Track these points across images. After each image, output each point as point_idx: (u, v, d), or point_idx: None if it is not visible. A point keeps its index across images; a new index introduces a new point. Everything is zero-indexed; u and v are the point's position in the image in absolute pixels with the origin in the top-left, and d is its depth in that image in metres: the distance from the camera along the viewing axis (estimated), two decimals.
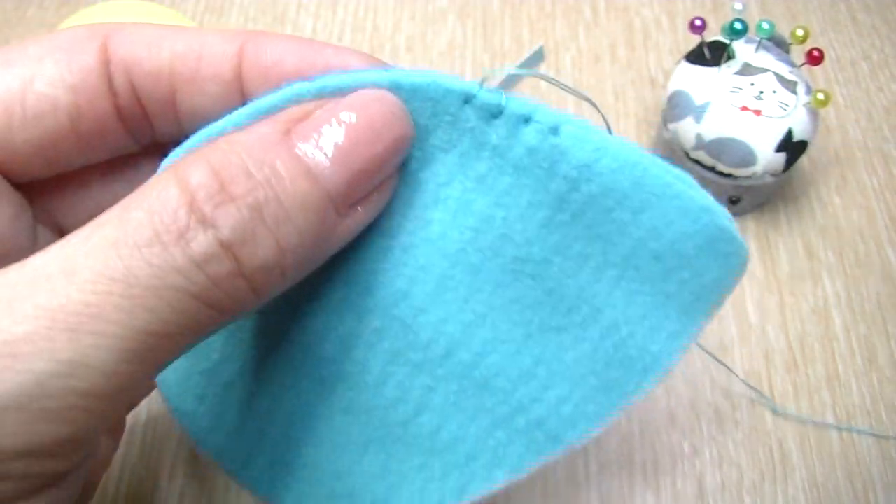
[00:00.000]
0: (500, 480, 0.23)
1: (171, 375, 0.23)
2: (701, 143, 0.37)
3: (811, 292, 0.38)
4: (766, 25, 0.37)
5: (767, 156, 0.36)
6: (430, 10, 0.50)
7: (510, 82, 0.24)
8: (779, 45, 0.39)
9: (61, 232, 0.23)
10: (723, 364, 0.33)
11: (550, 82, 0.21)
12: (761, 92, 0.37)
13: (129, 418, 0.32)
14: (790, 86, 0.37)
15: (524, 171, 0.20)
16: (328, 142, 0.18)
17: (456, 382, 0.22)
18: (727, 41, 0.37)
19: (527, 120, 0.20)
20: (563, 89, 0.21)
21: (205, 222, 0.17)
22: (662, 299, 0.21)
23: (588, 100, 0.21)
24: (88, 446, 0.17)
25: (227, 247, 0.17)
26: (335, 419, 0.23)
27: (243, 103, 0.21)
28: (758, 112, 0.36)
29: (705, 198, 0.20)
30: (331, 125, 0.19)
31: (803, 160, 0.41)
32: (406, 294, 0.22)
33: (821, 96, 0.36)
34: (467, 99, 0.20)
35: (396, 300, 0.22)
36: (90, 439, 0.17)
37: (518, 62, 0.19)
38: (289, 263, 0.18)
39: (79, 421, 0.16)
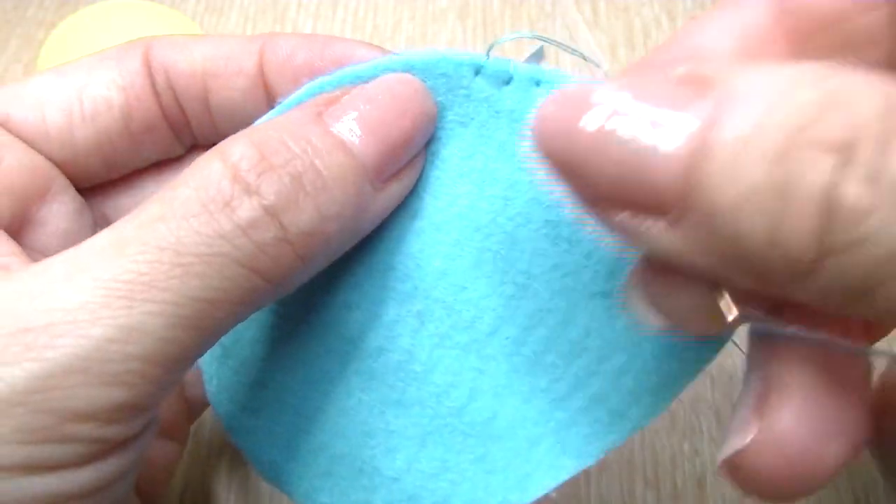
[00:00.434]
0: (567, 470, 0.21)
1: (223, 394, 0.23)
2: None
3: None
4: None
5: None
6: (430, 9, 0.50)
7: (537, 58, 0.24)
8: None
9: None
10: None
11: (558, 46, 0.22)
12: None
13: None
14: None
15: None
16: (358, 120, 0.20)
17: (506, 362, 0.21)
18: None
19: (538, 82, 0.21)
20: (571, 53, 0.22)
21: (249, 190, 0.18)
22: None
23: (594, 62, 0.22)
24: (147, 414, 0.18)
25: (271, 213, 0.18)
26: (388, 415, 0.22)
27: (268, 95, 0.23)
28: None
29: None
30: (359, 106, 0.20)
31: None
32: (444, 272, 0.22)
33: None
34: (477, 70, 0.21)
35: (436, 280, 0.22)
36: (148, 406, 0.18)
37: (517, 62, 0.19)
38: (331, 230, 0.19)
39: (137, 385, 0.17)
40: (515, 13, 0.49)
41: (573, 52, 0.22)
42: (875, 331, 0.19)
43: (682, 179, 0.13)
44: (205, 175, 0.18)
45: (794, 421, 0.15)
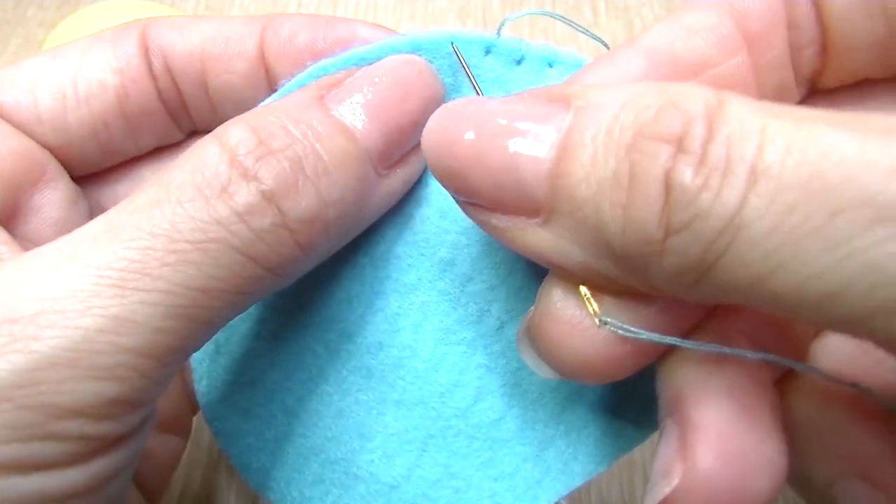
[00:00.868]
0: (579, 475, 0.21)
1: (213, 393, 0.22)
2: None
3: None
4: None
5: None
6: (430, 10, 0.50)
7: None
8: None
9: None
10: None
11: (566, 23, 0.22)
12: None
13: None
14: None
15: None
16: (361, 104, 0.19)
17: (517, 358, 0.20)
18: None
19: (550, 63, 0.20)
20: (578, 30, 0.21)
21: (247, 175, 0.17)
22: None
23: (601, 41, 0.21)
24: (142, 410, 0.18)
25: (269, 198, 0.17)
26: (387, 416, 0.21)
27: (269, 78, 0.22)
28: None
29: None
30: (363, 89, 0.19)
31: None
32: (450, 262, 0.21)
33: None
34: (488, 49, 0.20)
35: (441, 271, 0.21)
36: (142, 402, 0.17)
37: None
38: (332, 217, 0.18)
39: (129, 379, 0.16)
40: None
41: (584, 31, 0.21)
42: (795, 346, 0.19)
43: (548, 180, 0.15)
44: (201, 159, 0.17)
45: (715, 458, 0.16)
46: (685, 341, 0.16)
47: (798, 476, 0.18)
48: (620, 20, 0.49)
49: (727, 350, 0.16)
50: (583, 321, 0.17)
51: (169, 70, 0.23)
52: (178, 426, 0.25)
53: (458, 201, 0.17)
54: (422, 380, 0.21)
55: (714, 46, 0.18)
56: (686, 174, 0.13)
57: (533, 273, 0.21)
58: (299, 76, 0.20)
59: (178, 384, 0.25)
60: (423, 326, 0.21)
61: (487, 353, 0.21)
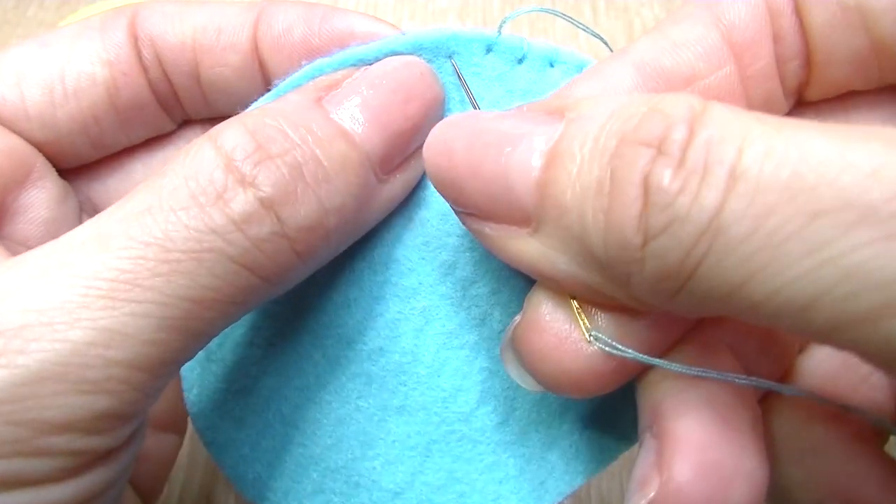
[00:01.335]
0: (581, 475, 0.21)
1: (205, 402, 0.22)
2: None
3: None
4: None
5: None
6: (430, 9, 0.50)
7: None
8: None
9: None
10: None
11: (566, 20, 0.21)
12: None
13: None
14: None
15: None
16: (361, 107, 0.19)
17: None
18: None
19: (552, 63, 0.20)
20: (578, 27, 0.21)
21: (244, 182, 0.16)
22: None
23: (600, 38, 0.21)
24: (133, 423, 0.17)
25: (268, 206, 0.17)
26: (389, 423, 0.21)
27: (262, 71, 0.21)
28: None
29: None
30: (362, 91, 0.19)
31: None
32: (452, 266, 0.20)
33: None
34: (489, 48, 0.20)
35: (443, 274, 0.20)
36: (134, 414, 0.17)
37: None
38: (332, 225, 0.18)
39: (120, 393, 0.16)
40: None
41: (585, 29, 0.21)
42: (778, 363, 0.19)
43: (537, 189, 0.15)
44: (195, 163, 0.17)
45: (692, 471, 0.15)
46: (674, 364, 0.16)
47: (781, 498, 0.18)
48: (620, 20, 0.49)
49: (714, 374, 0.16)
50: (571, 335, 0.16)
51: (160, 61, 0.22)
52: (174, 424, 0.25)
53: (455, 211, 0.18)
54: (424, 385, 0.21)
55: (701, 59, 0.18)
56: (664, 176, 0.13)
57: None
58: (295, 75, 0.20)
59: (173, 382, 0.25)
60: (424, 331, 0.21)
61: (490, 356, 0.21)
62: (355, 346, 0.21)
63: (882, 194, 0.12)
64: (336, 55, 0.20)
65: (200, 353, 0.21)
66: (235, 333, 0.21)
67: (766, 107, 0.19)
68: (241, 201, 0.16)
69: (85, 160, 0.23)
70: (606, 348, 0.16)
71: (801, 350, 0.19)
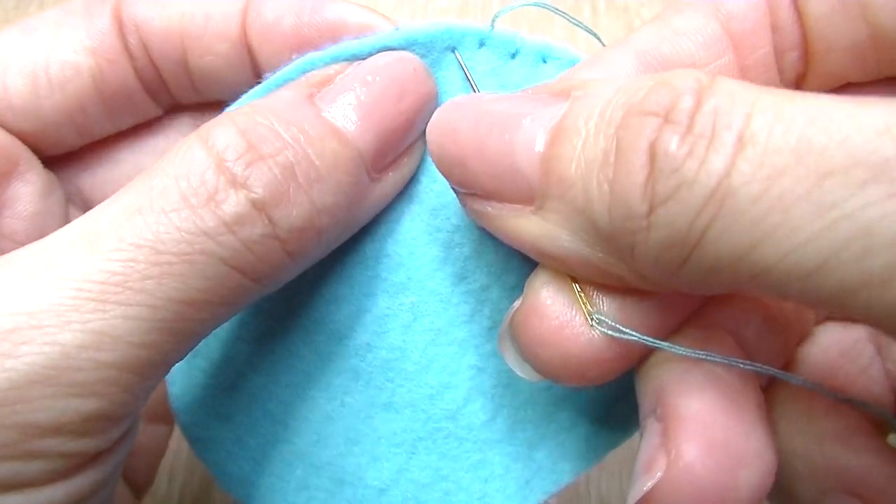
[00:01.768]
0: (567, 474, 0.21)
1: (189, 398, 0.22)
2: None
3: None
4: None
5: None
6: (430, 9, 0.50)
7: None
8: None
9: None
10: None
11: (561, 15, 0.21)
12: None
13: None
14: None
15: None
16: (353, 104, 0.18)
17: None
18: None
19: (544, 58, 0.20)
20: (572, 22, 0.21)
21: (235, 183, 0.16)
22: None
23: (596, 36, 0.21)
24: (124, 424, 0.17)
25: (260, 207, 0.16)
26: (375, 420, 0.21)
27: (252, 59, 0.21)
28: None
29: None
30: (354, 88, 0.19)
31: None
32: (442, 261, 0.20)
33: None
34: (482, 42, 0.20)
35: (433, 269, 0.20)
36: (124, 416, 0.17)
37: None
38: (324, 224, 0.18)
39: (110, 395, 0.16)
40: (515, 13, 0.49)
41: (578, 24, 0.21)
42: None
43: (542, 164, 0.15)
44: (186, 163, 0.17)
45: (699, 452, 0.15)
46: (679, 347, 0.16)
47: (783, 493, 0.18)
48: (620, 20, 0.49)
49: (719, 358, 0.16)
50: (573, 319, 0.16)
51: (146, 48, 0.21)
52: (163, 415, 0.25)
53: (457, 193, 0.18)
54: (411, 382, 0.21)
55: (701, 47, 0.18)
56: (671, 142, 0.13)
57: (526, 273, 0.20)
58: (286, 69, 0.19)
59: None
60: (412, 327, 0.20)
61: (479, 353, 0.21)
62: (343, 342, 0.21)
63: (895, 151, 0.12)
64: (328, 50, 0.19)
65: None
66: (222, 329, 0.21)
67: None
68: (233, 203, 0.16)
69: (70, 148, 0.22)
70: (609, 332, 0.16)
71: (801, 342, 0.19)
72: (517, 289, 0.20)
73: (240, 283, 0.17)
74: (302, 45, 0.20)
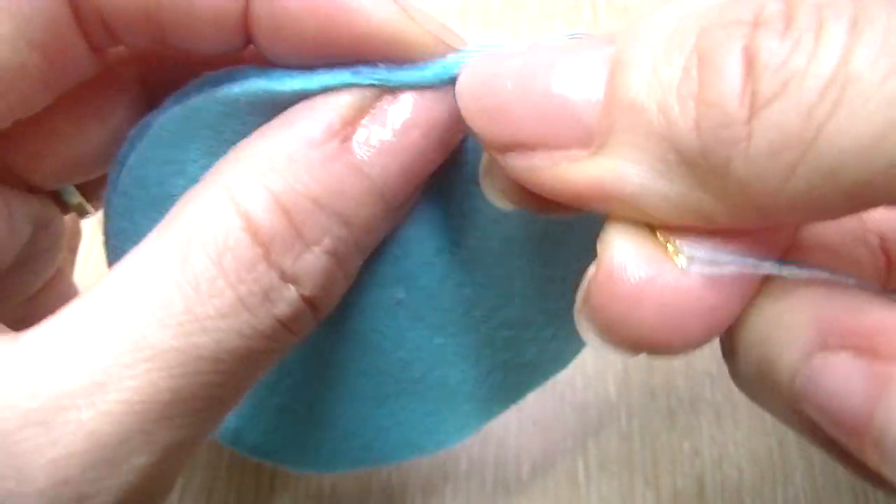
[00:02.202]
0: (492, 413, 0.25)
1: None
2: None
3: None
4: None
5: None
6: (430, 10, 0.50)
7: None
8: None
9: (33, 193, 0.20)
10: None
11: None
12: None
13: None
14: None
15: None
16: (394, 165, 0.17)
17: (468, 337, 0.23)
18: None
19: None
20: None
21: (285, 278, 0.16)
22: None
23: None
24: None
25: (310, 301, 0.16)
26: (355, 381, 0.23)
27: (246, 35, 0.17)
28: None
29: None
30: (397, 142, 0.17)
31: None
32: (432, 264, 0.21)
33: None
34: None
35: (423, 270, 0.21)
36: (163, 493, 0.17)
37: None
38: (348, 284, 0.18)
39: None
40: (515, 13, 0.49)
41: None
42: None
43: (605, 96, 0.13)
44: (231, 251, 0.15)
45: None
46: (785, 264, 0.14)
47: (762, 364, 0.15)
48: (620, 20, 0.49)
49: (827, 274, 0.14)
50: (662, 272, 0.14)
51: (110, 32, 0.17)
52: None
53: (494, 154, 0.15)
54: (387, 356, 0.23)
55: None
56: (772, 40, 0.12)
57: (524, 274, 0.22)
58: (302, 79, 0.17)
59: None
60: (397, 316, 0.22)
61: (445, 334, 0.23)
62: (336, 327, 0.22)
63: None
64: (357, 72, 0.17)
65: None
66: None
67: None
68: (288, 301, 0.16)
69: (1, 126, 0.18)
70: (707, 268, 0.14)
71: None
72: (484, 287, 0.22)
73: (278, 357, 0.17)
74: (310, 40, 0.17)
